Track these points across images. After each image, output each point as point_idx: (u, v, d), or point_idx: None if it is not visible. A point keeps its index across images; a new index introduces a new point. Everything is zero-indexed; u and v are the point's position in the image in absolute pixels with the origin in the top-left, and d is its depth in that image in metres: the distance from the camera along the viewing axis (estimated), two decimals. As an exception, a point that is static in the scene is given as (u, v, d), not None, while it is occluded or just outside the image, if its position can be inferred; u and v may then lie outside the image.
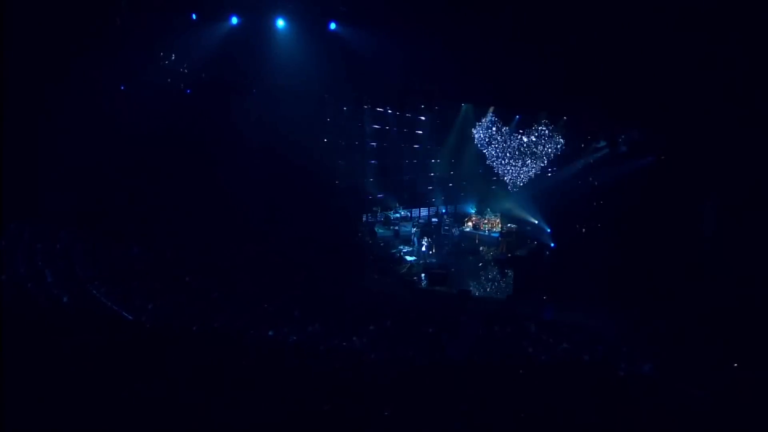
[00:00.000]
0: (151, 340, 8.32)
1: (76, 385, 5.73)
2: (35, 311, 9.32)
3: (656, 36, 12.84)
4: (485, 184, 24.31)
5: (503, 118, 22.72)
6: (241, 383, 6.54)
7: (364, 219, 22.77)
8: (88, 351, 6.86)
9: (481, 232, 22.11)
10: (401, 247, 19.95)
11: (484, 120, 23.00)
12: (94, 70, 14.93)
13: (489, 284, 17.41)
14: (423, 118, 23.94)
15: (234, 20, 15.94)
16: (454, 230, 22.05)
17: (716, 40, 12.61)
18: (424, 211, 24.74)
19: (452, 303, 14.58)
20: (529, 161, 22.47)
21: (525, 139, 22.36)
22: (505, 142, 22.71)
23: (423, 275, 17.31)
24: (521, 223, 21.66)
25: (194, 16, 15.76)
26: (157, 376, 6.39)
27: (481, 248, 21.02)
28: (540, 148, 22.14)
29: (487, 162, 23.26)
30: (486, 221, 22.47)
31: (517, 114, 22.40)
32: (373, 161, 23.08)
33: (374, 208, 23.13)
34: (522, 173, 22.71)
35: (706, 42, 12.67)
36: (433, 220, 23.73)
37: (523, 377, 7.82)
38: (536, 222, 21.20)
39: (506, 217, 22.27)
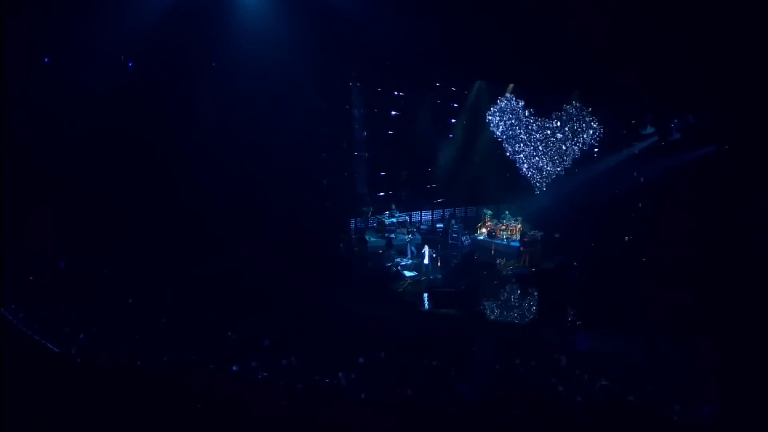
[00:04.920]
0: (84, 378, 8.27)
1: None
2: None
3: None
4: (503, 181, 24.34)
5: (525, 98, 22.81)
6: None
7: (352, 224, 22.79)
8: (6, 392, 6.81)
9: (498, 241, 22.13)
10: (398, 260, 19.94)
11: (501, 101, 23.07)
12: (8, 39, 14.80)
13: (508, 306, 17.41)
14: (424, 98, 23.95)
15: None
16: (464, 238, 22.03)
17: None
18: (426, 215, 24.75)
19: (462, 329, 14.56)
20: (557, 152, 22.55)
21: (553, 125, 22.42)
22: (528, 129, 22.77)
23: (426, 295, 17.31)
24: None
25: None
26: (92, 422, 6.35)
27: (497, 261, 21.03)
28: (572, 135, 22.21)
29: (505, 153, 23.33)
30: (504, 227, 22.47)
31: (543, 93, 22.46)
32: (363, 153, 23.08)
33: (364, 209, 23.10)
34: (549, 167, 22.78)
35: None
36: (438, 225, 23.72)
37: (552, 423, 7.81)
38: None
39: (529, 223, 22.31)
